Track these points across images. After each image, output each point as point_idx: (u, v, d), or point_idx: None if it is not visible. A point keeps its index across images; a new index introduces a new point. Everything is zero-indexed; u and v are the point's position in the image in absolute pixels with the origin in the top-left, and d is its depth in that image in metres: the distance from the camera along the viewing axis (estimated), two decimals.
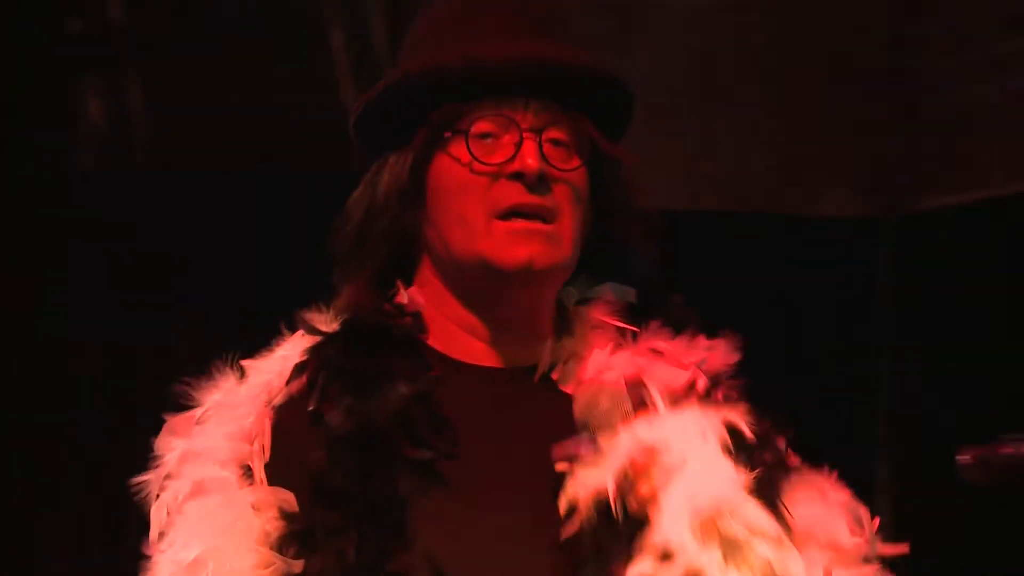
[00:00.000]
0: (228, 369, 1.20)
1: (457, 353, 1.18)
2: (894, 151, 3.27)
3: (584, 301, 1.24)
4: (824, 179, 3.31)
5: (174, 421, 1.18)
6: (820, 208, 3.19)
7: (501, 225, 1.16)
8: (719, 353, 1.18)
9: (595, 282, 1.24)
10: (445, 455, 1.10)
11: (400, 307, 1.18)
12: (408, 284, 1.20)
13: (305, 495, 1.11)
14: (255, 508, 1.12)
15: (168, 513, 1.14)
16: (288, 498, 1.11)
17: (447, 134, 1.17)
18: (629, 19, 2.96)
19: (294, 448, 1.12)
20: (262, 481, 1.13)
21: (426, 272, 1.21)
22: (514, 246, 1.15)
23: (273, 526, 1.11)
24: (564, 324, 1.22)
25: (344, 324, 1.18)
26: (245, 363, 1.20)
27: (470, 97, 1.17)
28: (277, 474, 1.13)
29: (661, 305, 1.22)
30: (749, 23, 3.17)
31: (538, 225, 1.16)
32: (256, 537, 1.10)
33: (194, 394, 1.19)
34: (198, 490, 1.14)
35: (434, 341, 1.18)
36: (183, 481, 1.15)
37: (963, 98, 3.20)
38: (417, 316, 1.18)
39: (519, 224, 1.16)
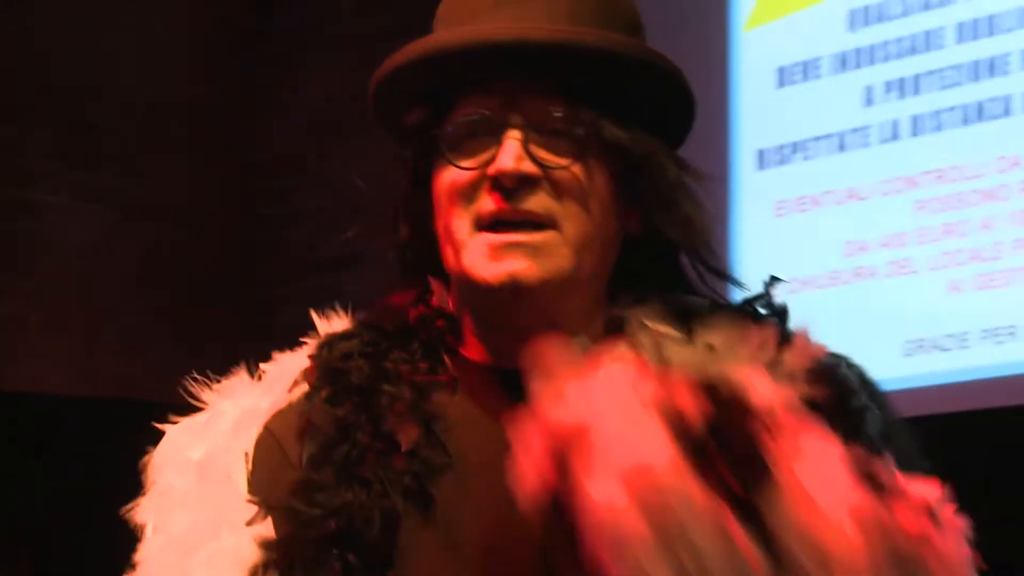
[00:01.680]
0: (244, 370, 1.17)
1: (484, 357, 1.12)
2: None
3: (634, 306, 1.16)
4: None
5: (179, 427, 1.15)
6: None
7: (482, 237, 1.08)
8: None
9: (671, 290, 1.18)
10: (439, 471, 1.04)
11: (434, 309, 1.14)
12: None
13: (283, 518, 1.07)
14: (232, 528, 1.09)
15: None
16: (266, 524, 1.07)
17: (435, 132, 1.12)
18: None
19: (279, 463, 1.08)
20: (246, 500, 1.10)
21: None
22: (493, 261, 1.07)
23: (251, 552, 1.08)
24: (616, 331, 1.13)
25: (357, 324, 1.14)
26: (264, 365, 1.16)
27: (458, 88, 1.11)
28: (259, 492, 1.09)
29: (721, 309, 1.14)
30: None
31: (521, 236, 1.07)
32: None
33: (205, 397, 1.16)
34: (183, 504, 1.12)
35: (465, 345, 1.13)
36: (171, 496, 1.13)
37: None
38: (449, 318, 1.13)
39: (498, 236, 1.08)
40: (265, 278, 4.96)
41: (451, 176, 1.08)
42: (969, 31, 3.35)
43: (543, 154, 1.07)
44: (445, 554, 1.03)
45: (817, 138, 3.60)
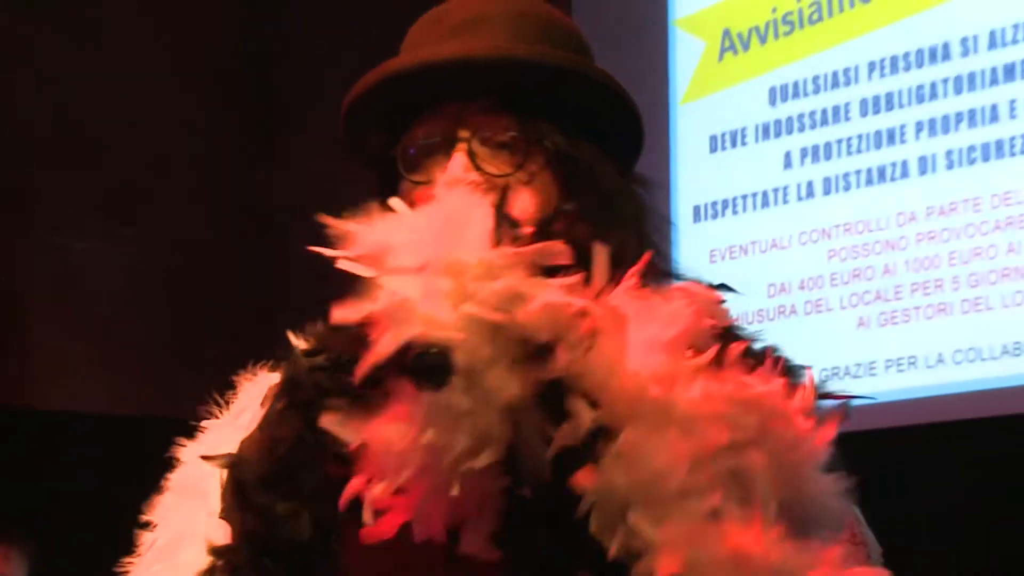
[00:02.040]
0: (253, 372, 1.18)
1: None
2: None
3: None
4: None
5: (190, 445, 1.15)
6: None
7: None
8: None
9: None
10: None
11: None
12: None
13: (229, 526, 1.06)
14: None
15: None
16: (221, 530, 1.06)
17: (392, 153, 1.14)
18: None
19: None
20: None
21: None
22: None
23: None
24: None
25: (321, 339, 1.09)
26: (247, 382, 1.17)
27: (413, 111, 1.13)
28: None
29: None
30: None
31: None
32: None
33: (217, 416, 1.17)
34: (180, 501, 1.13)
35: None
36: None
37: None
38: None
39: None
40: (279, 310, 5.24)
41: (408, 192, 1.10)
42: (870, 106, 3.86)
43: (489, 166, 1.09)
44: (381, 556, 1.00)
45: (744, 196, 4.05)
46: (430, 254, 0.94)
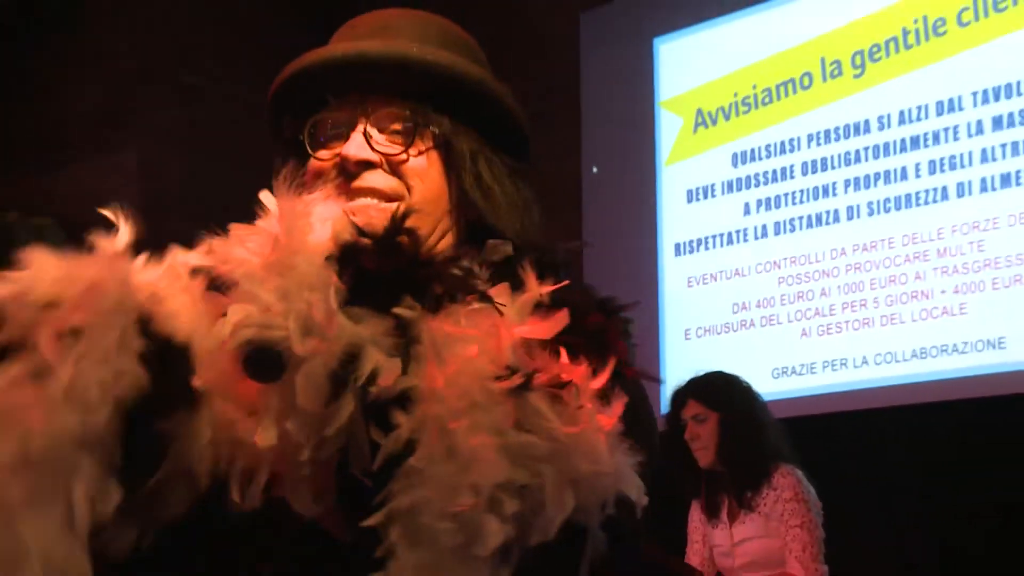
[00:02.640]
0: None
1: None
2: None
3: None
4: None
5: None
6: None
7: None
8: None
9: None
10: None
11: None
12: None
13: None
14: None
15: None
16: None
17: (300, 136, 1.14)
18: None
19: None
20: None
21: None
22: None
23: None
24: None
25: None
26: None
27: (321, 101, 1.14)
28: None
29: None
30: None
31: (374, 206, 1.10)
32: None
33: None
34: None
35: None
36: None
37: None
38: None
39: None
40: None
41: (313, 167, 1.12)
42: (809, 167, 4.43)
43: (381, 145, 1.11)
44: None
45: (713, 236, 4.60)
46: (273, 258, 0.90)
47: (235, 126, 4.58)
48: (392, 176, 1.12)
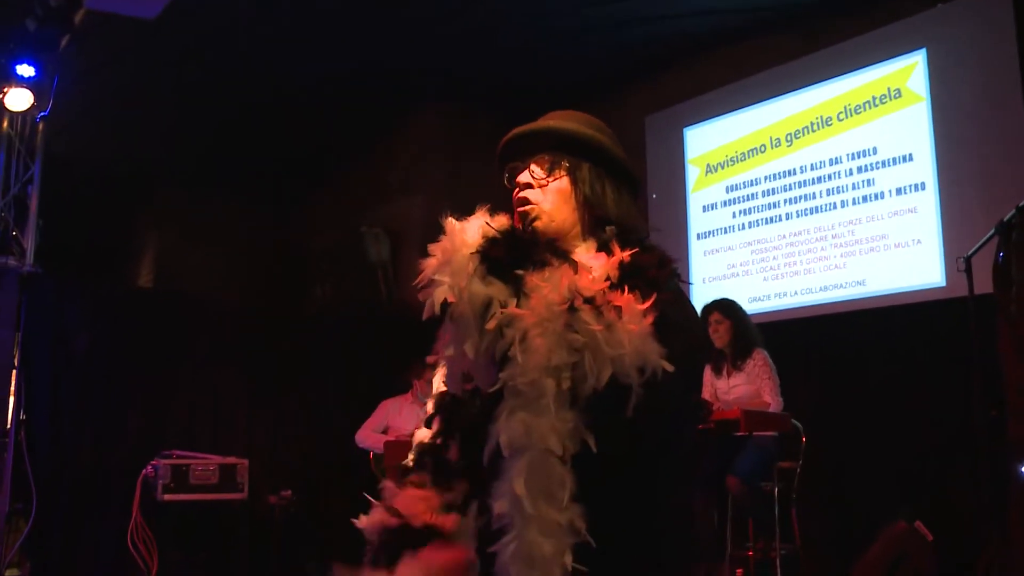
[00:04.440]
0: None
1: None
2: None
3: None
4: None
5: None
6: None
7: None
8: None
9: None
10: None
11: None
12: None
13: None
14: None
15: None
16: None
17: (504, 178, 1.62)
18: None
19: None
20: None
21: None
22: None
23: None
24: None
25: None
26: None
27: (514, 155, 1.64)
28: None
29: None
30: None
31: (527, 207, 1.60)
32: None
33: None
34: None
35: None
36: None
37: None
38: None
39: (518, 208, 1.60)
40: None
41: (514, 191, 1.63)
42: (769, 192, 5.66)
43: (532, 177, 1.62)
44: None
45: (716, 229, 5.92)
46: (452, 252, 1.39)
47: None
48: (538, 191, 1.64)
